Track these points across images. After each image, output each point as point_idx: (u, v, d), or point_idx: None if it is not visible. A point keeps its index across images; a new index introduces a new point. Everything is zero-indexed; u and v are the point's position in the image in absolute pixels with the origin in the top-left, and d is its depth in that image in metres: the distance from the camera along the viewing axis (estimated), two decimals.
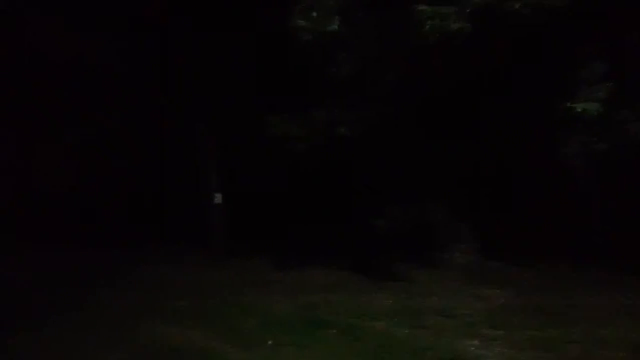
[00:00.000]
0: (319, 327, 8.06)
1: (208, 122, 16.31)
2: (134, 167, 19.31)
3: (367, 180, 15.74)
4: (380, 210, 14.93)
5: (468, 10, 9.36)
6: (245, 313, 8.89)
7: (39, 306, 9.76)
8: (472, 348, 7.04)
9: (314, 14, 10.53)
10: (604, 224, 13.85)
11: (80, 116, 18.00)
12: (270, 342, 7.41)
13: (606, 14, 10.71)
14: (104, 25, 14.74)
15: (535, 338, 7.30)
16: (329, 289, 10.74)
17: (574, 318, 8.19)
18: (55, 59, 15.90)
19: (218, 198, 18.74)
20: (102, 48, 15.29)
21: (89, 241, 17.59)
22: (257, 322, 8.38)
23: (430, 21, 9.36)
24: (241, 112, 15.54)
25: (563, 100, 10.25)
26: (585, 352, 6.77)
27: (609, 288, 9.92)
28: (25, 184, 22.30)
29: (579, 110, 9.95)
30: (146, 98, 17.01)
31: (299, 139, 12.42)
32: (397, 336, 7.61)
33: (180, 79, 15.71)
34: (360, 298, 9.93)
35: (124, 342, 7.45)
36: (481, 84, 12.17)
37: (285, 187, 17.88)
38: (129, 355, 6.97)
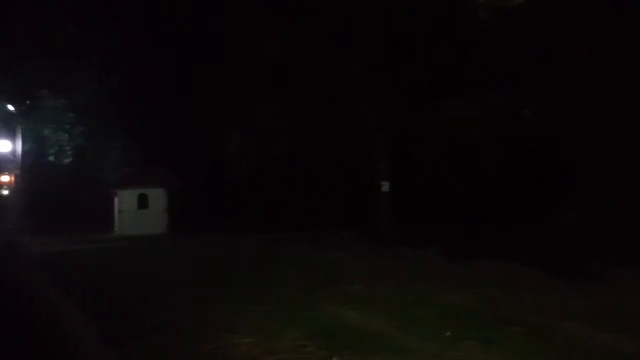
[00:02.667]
0: (501, 323, 7.49)
1: (377, 111, 16.38)
2: (307, 158, 20.22)
3: (551, 167, 14.46)
4: (567, 201, 13.59)
5: None
6: (420, 302, 8.65)
7: (226, 280, 10.67)
8: None
9: None
10: None
11: (258, 111, 19.29)
12: (448, 334, 7.07)
13: None
14: (285, 23, 15.47)
15: None
16: (508, 284, 10.05)
17: None
18: (236, 53, 17.13)
19: (385, 186, 18.82)
20: (283, 44, 16.04)
21: (269, 226, 19.06)
22: (433, 312, 8.08)
23: None
24: (410, 99, 15.29)
25: None
26: None
27: None
28: (217, 174, 24.72)
29: None
30: (317, 90, 17.60)
31: (474, 123, 11.78)
32: (596, 340, 6.76)
33: (350, 70, 15.98)
34: (544, 295, 9.09)
35: (303, 320, 7.68)
36: None
37: (455, 175, 17.27)
38: (309, 333, 7.13)
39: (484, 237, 14.92)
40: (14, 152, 30.86)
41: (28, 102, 28.84)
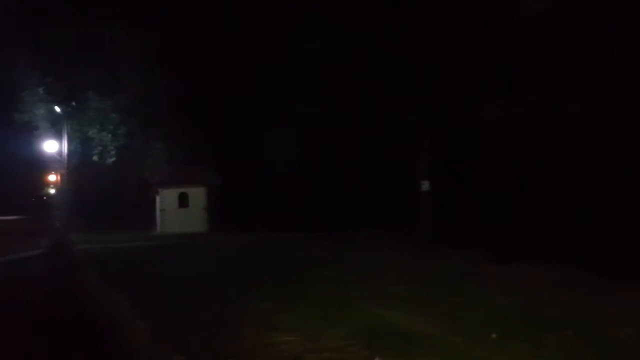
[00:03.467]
0: (550, 327, 7.23)
1: (419, 109, 16.12)
2: (346, 157, 20.12)
3: (598, 166, 13.96)
4: (610, 201, 13.08)
5: None
6: (465, 303, 8.46)
7: (266, 278, 10.71)
8: None
9: None
10: None
11: (299, 110, 19.27)
12: (494, 336, 6.88)
13: None
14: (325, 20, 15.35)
15: None
16: (555, 286, 9.74)
17: None
18: (277, 53, 17.15)
19: (425, 185, 18.55)
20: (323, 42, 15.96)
21: (307, 226, 19.07)
22: (479, 313, 7.88)
23: None
24: (453, 96, 14.99)
25: None
26: None
27: None
28: (257, 173, 24.94)
29: None
30: (357, 89, 17.47)
31: (514, 122, 11.45)
32: None
33: (392, 68, 15.79)
34: (595, 298, 8.73)
35: (346, 319, 7.61)
36: None
37: (496, 175, 16.89)
38: (352, 332, 7.05)
39: (527, 237, 14.53)
40: (60, 152, 31.82)
41: (74, 103, 29.68)
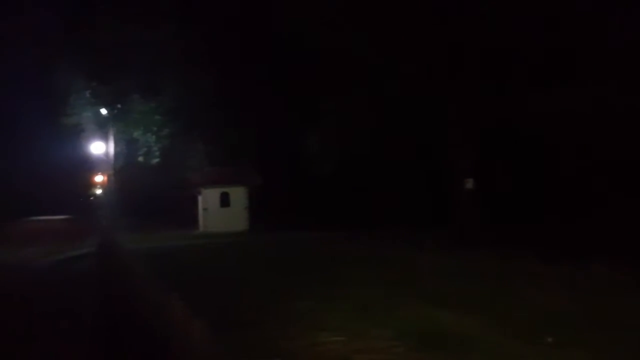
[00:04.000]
0: (611, 330, 6.87)
1: (462, 105, 15.69)
2: (388, 155, 19.82)
3: None
4: None
5: None
6: (516, 304, 8.17)
7: (308, 277, 10.66)
8: None
9: None
10: None
11: (340, 109, 19.11)
12: (550, 340, 6.58)
13: None
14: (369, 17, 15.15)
15: None
16: (610, 286, 9.35)
17: None
18: (319, 51, 17.02)
19: (469, 183, 18.13)
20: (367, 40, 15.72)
21: (349, 224, 18.91)
22: (531, 314, 7.59)
23: None
24: (498, 91, 14.51)
25: None
26: None
27: None
28: (298, 172, 24.98)
29: None
30: (400, 87, 17.18)
31: (567, 117, 10.98)
32: None
33: (435, 63, 15.44)
34: None
35: (392, 319, 7.45)
36: None
37: (545, 172, 16.31)
38: (399, 333, 6.89)
39: (576, 237, 13.99)
40: (106, 154, 32.66)
41: (119, 106, 30.40)
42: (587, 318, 7.45)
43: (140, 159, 31.04)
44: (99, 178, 45.26)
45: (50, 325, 8.50)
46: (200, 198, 29.94)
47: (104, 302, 9.13)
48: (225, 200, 29.58)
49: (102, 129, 31.70)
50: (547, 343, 6.49)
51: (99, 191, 57.32)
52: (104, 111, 30.78)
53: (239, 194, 29.39)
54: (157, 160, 30.75)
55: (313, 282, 10.48)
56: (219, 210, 29.37)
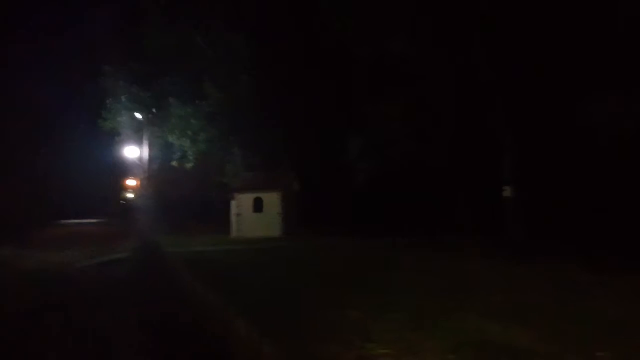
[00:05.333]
0: None
1: (508, 110, 15.29)
2: (430, 161, 19.42)
3: None
4: None
5: None
6: (571, 316, 7.86)
7: (352, 285, 10.50)
8: None
9: None
10: None
11: (380, 113, 18.87)
12: (600, 354, 6.30)
13: None
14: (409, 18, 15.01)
15: None
16: None
17: None
18: (359, 53, 16.87)
19: (507, 191, 17.75)
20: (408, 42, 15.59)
21: (388, 231, 18.62)
22: (587, 327, 7.30)
23: None
24: (548, 95, 14.12)
25: None
26: None
27: None
28: (336, 178, 24.86)
29: None
30: (443, 90, 16.89)
31: (620, 122, 10.58)
32: None
33: (479, 65, 15.13)
34: None
35: (443, 331, 7.25)
36: None
37: (594, 181, 15.78)
38: (452, 346, 6.69)
39: (627, 246, 13.52)
40: (140, 158, 33.08)
41: (154, 110, 30.76)
42: None
43: (174, 163, 31.28)
44: (131, 182, 45.93)
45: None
46: (233, 203, 30.06)
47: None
48: (258, 206, 29.65)
49: (137, 132, 32.12)
50: (601, 357, 6.24)
51: (131, 195, 58.21)
52: (139, 115, 31.18)
53: (272, 200, 29.41)
54: (192, 164, 30.97)
55: (356, 290, 10.30)
56: (252, 215, 29.44)
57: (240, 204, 29.63)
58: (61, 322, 8.96)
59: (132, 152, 33.56)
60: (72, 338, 7.82)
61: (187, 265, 13.85)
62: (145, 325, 8.52)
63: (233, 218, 29.98)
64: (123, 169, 39.80)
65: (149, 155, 32.28)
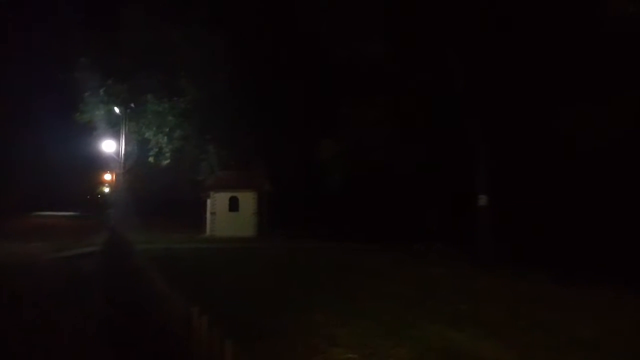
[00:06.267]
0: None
1: (484, 118, 15.35)
2: (402, 167, 19.47)
3: None
4: None
5: None
6: (538, 328, 7.87)
7: (321, 289, 10.38)
8: None
9: None
10: None
11: (354, 118, 18.87)
12: None
13: None
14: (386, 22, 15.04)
15: None
16: (633, 313, 9.04)
17: None
18: (335, 57, 16.82)
19: (483, 200, 17.79)
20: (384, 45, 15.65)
21: (359, 236, 18.56)
22: (556, 341, 7.29)
23: None
24: (523, 105, 14.23)
25: None
26: None
27: None
28: (308, 180, 24.77)
29: None
30: (417, 97, 16.96)
31: (597, 133, 10.65)
32: None
33: (454, 71, 15.16)
34: None
35: (409, 339, 7.18)
36: None
37: (566, 192, 15.95)
38: (418, 354, 6.62)
39: (594, 261, 13.66)
40: (117, 153, 32.55)
41: (132, 105, 30.28)
42: (616, 344, 7.17)
43: (151, 159, 30.85)
44: (107, 177, 45.24)
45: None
46: (209, 202, 29.74)
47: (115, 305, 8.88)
48: (234, 205, 29.37)
49: (114, 127, 31.58)
50: None
51: (106, 190, 57.43)
52: (117, 110, 30.69)
53: (248, 199, 29.17)
54: (167, 161, 30.59)
55: (325, 294, 10.20)
56: (228, 214, 29.14)
57: (216, 202, 29.31)
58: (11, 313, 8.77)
59: (110, 146, 32.98)
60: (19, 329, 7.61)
61: (155, 263, 13.59)
62: (94, 317, 8.38)
63: (208, 216, 29.66)
64: (100, 163, 39.13)
65: (126, 151, 31.75)
